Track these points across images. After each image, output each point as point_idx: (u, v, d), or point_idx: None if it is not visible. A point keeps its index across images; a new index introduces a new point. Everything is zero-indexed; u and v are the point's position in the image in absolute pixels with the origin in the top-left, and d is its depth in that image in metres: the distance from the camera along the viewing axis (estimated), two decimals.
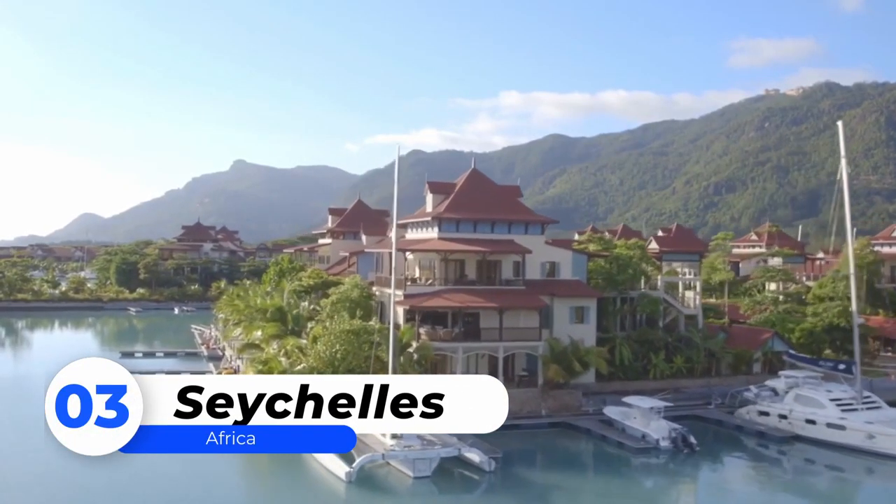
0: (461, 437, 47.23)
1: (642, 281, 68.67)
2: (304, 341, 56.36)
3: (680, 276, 70.98)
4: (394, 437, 45.45)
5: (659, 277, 69.04)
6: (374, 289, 65.43)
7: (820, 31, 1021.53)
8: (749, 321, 79.02)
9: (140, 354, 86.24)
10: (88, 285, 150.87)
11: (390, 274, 66.86)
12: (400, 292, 60.08)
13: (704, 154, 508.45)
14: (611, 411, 55.65)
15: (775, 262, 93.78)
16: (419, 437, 45.96)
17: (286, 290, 67.79)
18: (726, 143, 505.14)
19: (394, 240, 53.32)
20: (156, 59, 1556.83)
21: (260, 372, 53.15)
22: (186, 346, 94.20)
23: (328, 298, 64.27)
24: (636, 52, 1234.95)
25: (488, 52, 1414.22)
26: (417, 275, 64.66)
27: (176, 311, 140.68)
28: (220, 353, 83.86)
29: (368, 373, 55.49)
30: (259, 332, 64.07)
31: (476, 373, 59.27)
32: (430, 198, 66.27)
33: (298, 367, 51.90)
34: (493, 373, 59.92)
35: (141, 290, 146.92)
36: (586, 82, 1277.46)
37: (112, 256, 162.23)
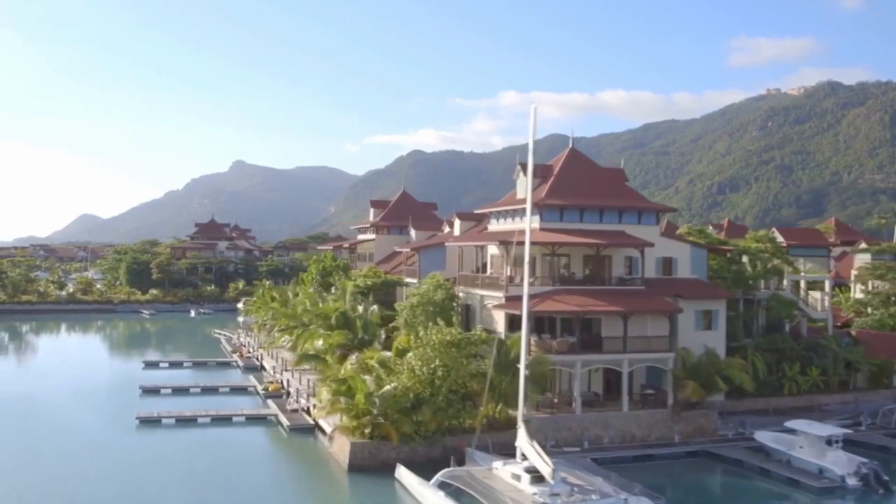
0: (605, 478, 36.39)
1: (762, 281, 57.55)
2: (388, 354, 45.00)
3: (804, 273, 59.69)
4: (535, 481, 34.24)
5: (785, 276, 57.82)
6: (459, 290, 54.03)
7: (820, 30, 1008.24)
8: (854, 323, 68.22)
9: (165, 364, 74.52)
10: (98, 286, 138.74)
11: (479, 271, 55.99)
12: (500, 294, 48.87)
13: (707, 153, 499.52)
14: (765, 437, 44.64)
15: (863, 258, 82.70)
16: (564, 481, 34.79)
17: (348, 291, 56.27)
18: (729, 142, 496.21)
19: (528, 228, 41.47)
20: (155, 60, 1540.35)
21: (338, 392, 41.79)
22: (214, 354, 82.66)
23: (404, 302, 53.08)
24: (635, 51, 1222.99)
25: (487, 52, 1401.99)
26: (508, 273, 53.39)
27: (192, 313, 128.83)
28: (258, 364, 72.37)
29: (474, 393, 44.35)
30: (320, 342, 52.71)
31: (589, 391, 48.12)
32: (522, 181, 54.87)
33: (388, 387, 40.58)
34: (612, 391, 48.93)
35: (154, 291, 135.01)
36: (585, 82, 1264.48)
37: (122, 255, 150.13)
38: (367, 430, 40.54)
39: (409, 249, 70.92)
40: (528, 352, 42.34)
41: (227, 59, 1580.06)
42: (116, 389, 62.62)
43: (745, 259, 55.78)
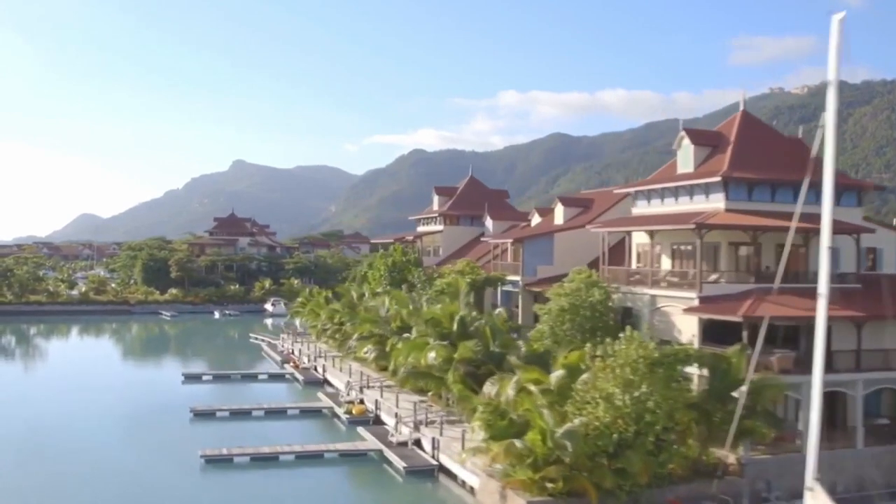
0: None
1: None
2: (558, 374, 32.63)
3: None
4: None
5: None
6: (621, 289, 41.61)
7: (822, 29, 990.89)
8: None
9: (209, 377, 61.87)
10: (112, 285, 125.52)
11: (626, 264, 43.79)
12: (690, 294, 36.64)
13: None
14: None
15: None
16: None
17: (462, 291, 43.68)
18: None
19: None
20: (155, 60, 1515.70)
21: (506, 432, 29.52)
22: (261, 364, 70.27)
23: (547, 304, 40.78)
24: (635, 51, 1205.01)
25: (486, 51, 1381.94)
26: (668, 266, 41.22)
27: (216, 314, 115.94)
28: (320, 378, 59.89)
29: (694, 433, 32.21)
30: (433, 354, 40.28)
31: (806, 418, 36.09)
32: (686, 151, 42.71)
33: (575, 424, 28.35)
34: (837, 419, 36.97)
35: (173, 291, 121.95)
36: (585, 81, 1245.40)
37: (137, 252, 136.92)
38: (551, 484, 28.37)
39: (500, 240, 58.63)
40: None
41: (227, 59, 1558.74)
42: (160, 412, 50.00)
43: None
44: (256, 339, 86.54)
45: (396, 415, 43.13)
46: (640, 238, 43.80)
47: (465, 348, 38.80)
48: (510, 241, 55.98)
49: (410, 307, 49.76)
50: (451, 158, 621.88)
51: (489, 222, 70.91)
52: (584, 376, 31.22)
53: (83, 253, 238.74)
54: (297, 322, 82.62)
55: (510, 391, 31.85)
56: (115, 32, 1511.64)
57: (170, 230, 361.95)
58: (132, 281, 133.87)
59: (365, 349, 49.80)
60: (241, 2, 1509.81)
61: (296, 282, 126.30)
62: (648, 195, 44.84)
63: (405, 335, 47.14)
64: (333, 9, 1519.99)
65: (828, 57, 21.23)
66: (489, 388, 34.27)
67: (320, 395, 53.81)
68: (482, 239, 65.63)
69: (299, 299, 79.43)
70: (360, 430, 43.56)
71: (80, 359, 77.45)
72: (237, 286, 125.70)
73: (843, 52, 27.46)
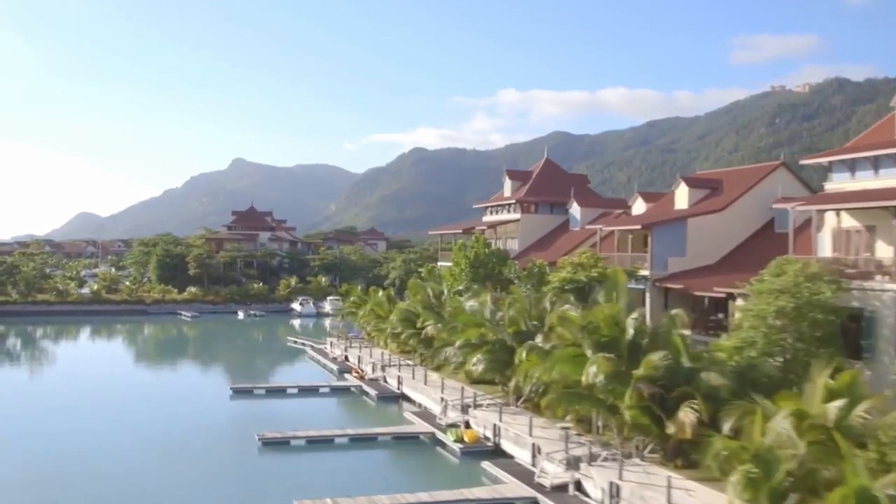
0: None
1: None
2: (837, 405, 22.33)
3: None
4: None
5: None
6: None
7: (823, 27, 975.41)
8: None
9: (261, 391, 51.17)
10: (127, 283, 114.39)
11: (855, 252, 33.33)
12: None
13: (714, 151, 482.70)
14: None
15: None
16: None
17: (621, 290, 33.11)
18: (736, 139, 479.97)
19: None
20: (153, 59, 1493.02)
21: (778, 493, 19.22)
22: (310, 373, 59.94)
23: (747, 303, 30.46)
24: (636, 49, 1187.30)
25: (486, 50, 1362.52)
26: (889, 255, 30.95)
27: (240, 315, 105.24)
28: (396, 392, 49.49)
29: None
30: (594, 369, 29.87)
31: None
32: None
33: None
34: None
35: (192, 290, 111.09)
36: (585, 80, 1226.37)
37: (150, 248, 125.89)
38: None
39: (617, 228, 48.30)
40: None
41: (227, 59, 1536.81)
42: (220, 439, 39.50)
43: None
44: (296, 342, 76.06)
45: (535, 446, 32.81)
46: (840, 220, 33.61)
47: (649, 363, 28.45)
48: (634, 227, 45.57)
49: (528, 308, 39.41)
50: (453, 157, 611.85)
51: (576, 209, 60.62)
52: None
53: (87, 250, 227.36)
54: (341, 323, 72.31)
55: (782, 427, 21.45)
56: (114, 32, 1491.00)
57: (169, 229, 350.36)
58: (145, 279, 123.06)
59: (474, 359, 39.28)
60: (241, 2, 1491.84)
61: (323, 279, 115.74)
62: (852, 165, 34.59)
63: (529, 343, 36.76)
64: (332, 8, 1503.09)
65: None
66: (726, 423, 23.92)
67: (408, 415, 43.33)
68: (590, 226, 55.09)
69: (351, 298, 68.75)
70: (487, 465, 33.23)
71: (102, 367, 66.51)
72: (260, 284, 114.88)
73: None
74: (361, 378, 53.92)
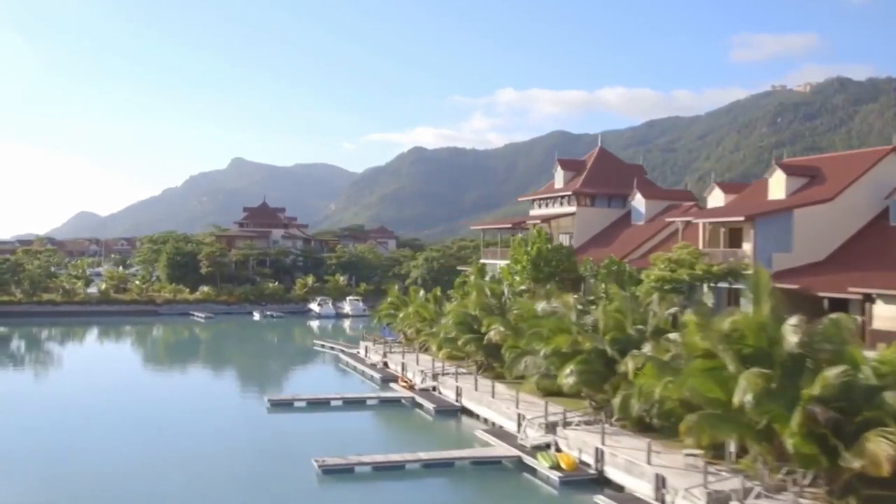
0: None
1: None
2: None
3: None
4: None
5: None
6: None
7: (823, 26, 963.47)
8: None
9: (301, 404, 45.13)
10: (136, 282, 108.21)
11: None
12: None
13: (715, 150, 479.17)
14: None
15: None
16: None
17: (763, 289, 27.33)
18: (737, 138, 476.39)
19: None
20: (153, 58, 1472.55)
21: None
22: (352, 383, 54.20)
23: None
24: (634, 49, 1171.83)
25: (484, 49, 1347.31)
26: None
27: (256, 315, 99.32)
28: (453, 403, 43.74)
29: None
30: (743, 386, 24.11)
31: None
32: None
33: None
34: None
35: (205, 289, 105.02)
36: (583, 79, 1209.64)
37: (160, 245, 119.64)
38: None
39: (708, 220, 42.56)
40: None
41: (225, 58, 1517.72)
42: (269, 463, 33.59)
43: None
44: (323, 346, 70.21)
45: (659, 478, 27.09)
46: None
47: (825, 381, 22.75)
48: (731, 219, 39.86)
49: (628, 312, 33.69)
50: (452, 156, 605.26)
51: (640, 201, 54.92)
52: None
53: (89, 249, 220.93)
54: (363, 326, 66.58)
55: None
56: (114, 32, 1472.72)
57: (169, 228, 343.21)
58: (154, 277, 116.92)
59: (567, 372, 33.46)
60: (241, 2, 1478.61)
61: (341, 279, 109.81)
62: None
63: (635, 352, 31.05)
64: (332, 8, 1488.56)
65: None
66: None
67: (482, 434, 37.43)
68: (669, 219, 49.38)
69: (388, 299, 62.83)
70: (601, 500, 27.52)
71: (118, 375, 60.41)
72: (275, 283, 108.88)
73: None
74: (410, 388, 48.11)
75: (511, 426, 37.20)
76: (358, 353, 63.33)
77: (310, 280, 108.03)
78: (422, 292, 59.59)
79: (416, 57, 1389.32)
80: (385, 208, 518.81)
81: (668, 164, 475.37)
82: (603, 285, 41.23)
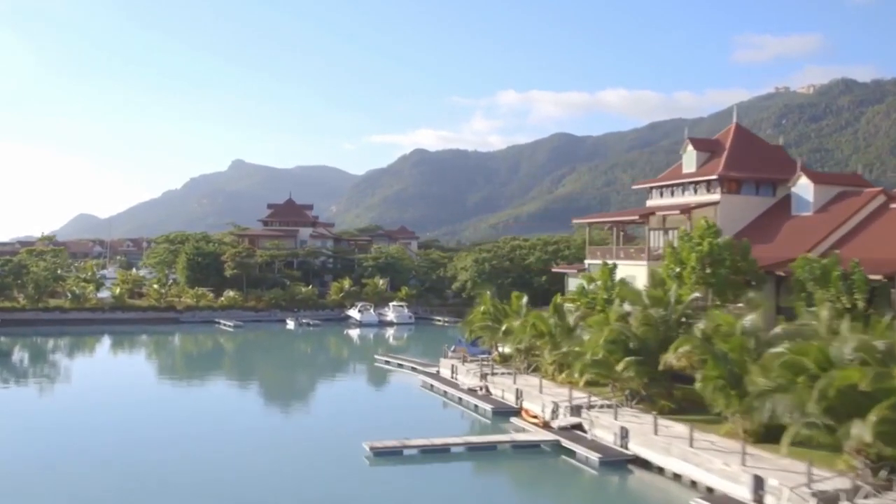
0: None
1: None
2: None
3: None
4: None
5: None
6: None
7: (825, 27, 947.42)
8: None
9: (412, 452, 32.88)
10: (154, 286, 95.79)
11: None
12: None
13: None
14: None
15: None
16: None
17: None
18: None
19: None
20: (152, 59, 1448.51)
21: None
22: (451, 419, 42.23)
23: None
24: (636, 50, 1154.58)
25: (485, 50, 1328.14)
26: None
27: (290, 324, 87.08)
28: (620, 450, 31.76)
29: None
30: None
31: None
32: None
33: None
34: None
35: (231, 294, 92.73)
36: (585, 81, 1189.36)
37: (177, 246, 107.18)
38: None
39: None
40: None
41: (225, 60, 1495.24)
42: None
43: None
44: (389, 362, 58.21)
45: None
46: None
47: None
48: None
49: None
50: (454, 158, 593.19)
51: (806, 187, 43.04)
52: None
53: (94, 250, 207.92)
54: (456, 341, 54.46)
55: None
56: (113, 32, 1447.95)
57: (168, 230, 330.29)
58: (171, 280, 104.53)
59: (864, 423, 21.54)
60: (241, 2, 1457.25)
61: (381, 282, 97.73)
62: None
63: None
64: (332, 8, 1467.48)
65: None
66: None
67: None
68: (798, 212, 37.63)
69: (481, 308, 50.61)
70: None
71: (150, 404, 47.76)
72: (308, 287, 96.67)
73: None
74: (545, 426, 36.09)
75: (738, 491, 25.33)
76: (438, 371, 51.33)
77: (346, 284, 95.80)
78: (524, 299, 47.44)
79: (415, 57, 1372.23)
80: (387, 210, 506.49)
81: (673, 166, 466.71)
82: (833, 293, 29.50)
